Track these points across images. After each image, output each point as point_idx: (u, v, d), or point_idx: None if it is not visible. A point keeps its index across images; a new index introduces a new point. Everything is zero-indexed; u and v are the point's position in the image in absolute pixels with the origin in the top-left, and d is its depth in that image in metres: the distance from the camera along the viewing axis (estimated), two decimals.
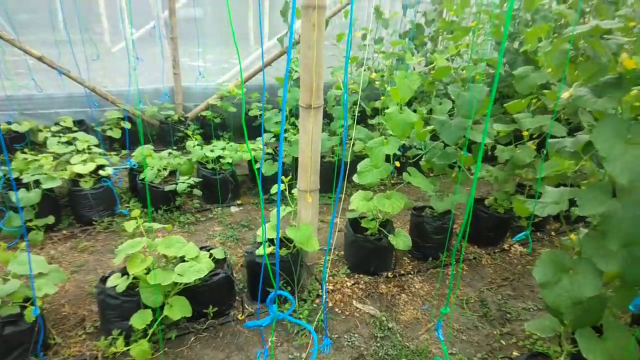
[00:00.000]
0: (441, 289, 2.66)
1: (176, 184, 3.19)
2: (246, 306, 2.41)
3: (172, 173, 3.42)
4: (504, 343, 2.25)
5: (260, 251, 2.39)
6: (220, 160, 3.51)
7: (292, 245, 2.44)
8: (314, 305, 2.45)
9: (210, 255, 2.30)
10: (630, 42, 1.52)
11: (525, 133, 2.88)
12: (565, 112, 1.84)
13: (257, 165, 3.55)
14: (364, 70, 4.64)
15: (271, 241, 2.42)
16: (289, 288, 2.41)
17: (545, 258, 1.55)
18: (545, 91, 2.79)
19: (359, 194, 2.69)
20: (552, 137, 2.92)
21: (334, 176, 3.94)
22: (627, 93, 1.35)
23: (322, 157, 3.80)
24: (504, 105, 3.06)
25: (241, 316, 2.32)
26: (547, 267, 1.53)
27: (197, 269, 2.04)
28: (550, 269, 1.52)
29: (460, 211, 3.56)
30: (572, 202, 1.64)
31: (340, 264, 2.84)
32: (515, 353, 2.18)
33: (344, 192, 3.85)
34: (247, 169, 3.98)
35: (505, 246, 3.15)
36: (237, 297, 2.44)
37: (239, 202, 3.56)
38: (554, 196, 1.65)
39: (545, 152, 1.74)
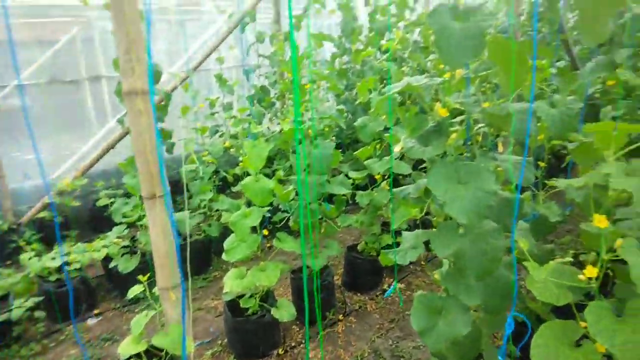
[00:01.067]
0: (335, 350, 2.56)
1: (9, 311, 2.63)
2: None
3: (4, 297, 2.82)
4: None
5: None
6: (66, 267, 3.02)
7: (164, 352, 2.14)
8: None
9: None
10: (440, 86, 1.70)
11: (377, 176, 3.05)
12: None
13: (113, 263, 3.15)
14: (219, 137, 4.56)
15: (140, 355, 2.09)
16: None
17: (418, 304, 1.57)
18: (386, 135, 3.01)
19: (232, 273, 2.51)
20: (399, 175, 3.14)
21: (209, 253, 3.69)
22: (448, 138, 1.46)
23: (190, 235, 3.54)
24: (354, 153, 3.23)
25: None
26: (422, 314, 1.53)
27: None
28: (425, 314, 1.53)
29: (338, 260, 3.57)
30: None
31: (225, 354, 2.58)
32: None
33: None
34: (102, 269, 3.50)
35: (385, 286, 3.22)
36: None
37: (96, 311, 3.07)
38: (411, 241, 1.70)
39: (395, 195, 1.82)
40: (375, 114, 2.85)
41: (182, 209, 4.05)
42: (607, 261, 1.14)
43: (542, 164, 2.32)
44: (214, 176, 3.97)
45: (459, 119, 1.82)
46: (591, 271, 1.14)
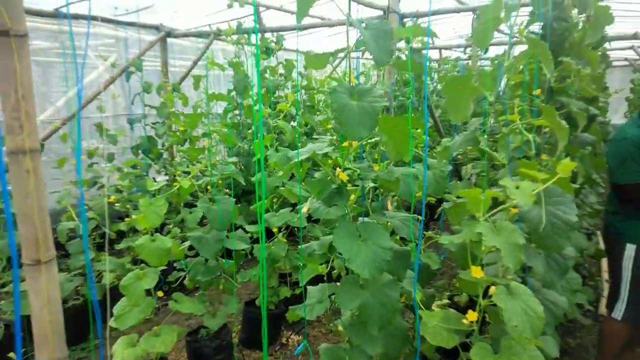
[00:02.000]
0: None
1: None
2: None
3: None
4: None
5: None
6: None
7: None
8: None
9: None
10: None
11: (274, 230, 3.13)
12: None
13: None
14: (99, 189, 4.24)
15: None
16: None
17: (324, 357, 1.65)
18: (281, 189, 3.13)
19: (122, 341, 2.31)
20: (299, 228, 3.25)
21: (87, 320, 3.32)
22: (349, 199, 1.62)
23: (64, 301, 3.16)
24: (250, 205, 3.28)
25: None
26: None
27: None
28: None
29: (236, 316, 3.49)
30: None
31: None
32: None
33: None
34: None
35: (283, 340, 3.23)
36: None
37: None
38: (317, 295, 1.80)
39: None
40: (272, 167, 2.96)
41: (58, 272, 3.62)
42: (483, 305, 1.36)
43: (419, 217, 2.64)
44: (94, 233, 3.66)
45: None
46: (472, 316, 1.34)
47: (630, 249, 2.40)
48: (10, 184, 1.67)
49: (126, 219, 3.47)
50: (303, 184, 2.21)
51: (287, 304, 3.33)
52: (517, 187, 1.21)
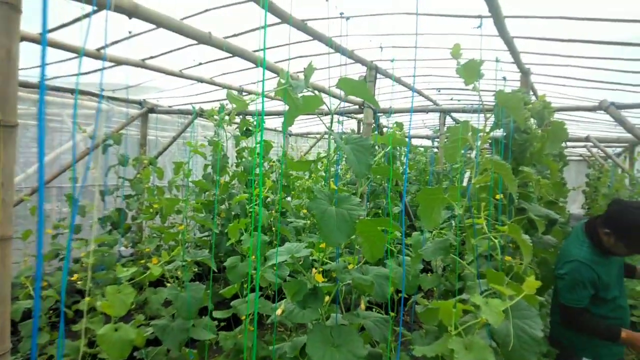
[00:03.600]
0: None
1: None
2: None
3: None
4: None
5: None
6: None
7: None
8: None
9: None
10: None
11: (243, 317, 3.04)
12: None
13: None
14: (59, 261, 4.07)
15: None
16: None
17: None
18: (254, 272, 3.09)
19: None
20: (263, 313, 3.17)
21: None
22: (323, 301, 1.64)
23: None
24: (220, 292, 3.20)
25: None
26: None
27: None
28: None
29: None
30: None
31: None
32: None
33: None
34: None
35: None
36: None
37: None
38: None
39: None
40: (246, 253, 2.95)
41: None
42: None
43: (392, 314, 2.65)
44: (51, 312, 3.46)
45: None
46: None
47: None
48: None
49: (86, 298, 3.30)
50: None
51: None
52: (487, 304, 1.27)
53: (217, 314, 3.05)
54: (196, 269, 4.15)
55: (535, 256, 2.52)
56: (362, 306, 1.95)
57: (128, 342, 2.15)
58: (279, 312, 1.58)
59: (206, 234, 4.66)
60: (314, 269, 1.66)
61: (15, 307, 3.03)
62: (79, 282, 3.44)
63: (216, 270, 2.98)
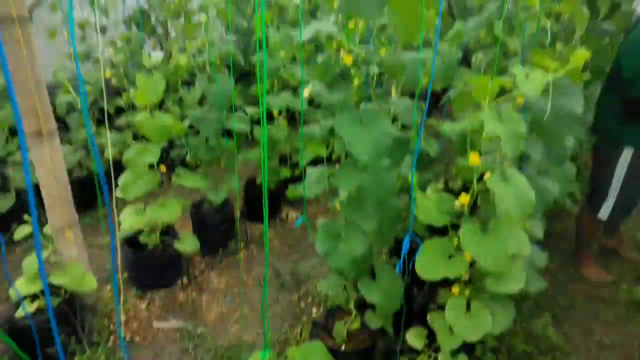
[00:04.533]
0: (238, 276, 2.73)
1: None
2: None
3: None
4: (303, 306, 2.50)
5: (20, 312, 1.95)
6: None
7: (62, 290, 2.09)
8: (110, 344, 2.19)
9: None
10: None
11: (275, 112, 3.11)
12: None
13: None
14: (93, 63, 4.09)
15: (36, 295, 2.01)
16: (74, 339, 2.07)
17: (322, 231, 1.76)
18: (282, 70, 3.04)
19: (129, 209, 2.46)
20: (300, 112, 3.24)
21: (92, 192, 3.46)
22: (352, 83, 1.59)
23: (69, 173, 3.27)
24: (250, 88, 3.22)
25: None
26: (325, 239, 1.73)
27: None
28: (328, 240, 1.73)
29: (239, 194, 3.64)
30: None
31: (128, 287, 2.58)
32: (314, 310, 2.46)
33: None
34: None
35: (283, 215, 3.43)
36: None
37: None
38: (316, 176, 1.86)
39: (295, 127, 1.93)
40: (273, 48, 2.84)
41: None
42: (477, 190, 1.42)
43: (423, 105, 2.61)
44: (93, 107, 3.64)
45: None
46: (464, 198, 1.41)
47: (627, 153, 2.34)
48: None
49: (123, 94, 3.42)
50: (305, 66, 2.15)
51: (286, 184, 3.46)
52: (527, 76, 1.18)
53: (249, 109, 3.13)
54: (226, 71, 4.13)
55: (589, 45, 2.31)
56: (393, 93, 1.90)
57: (165, 128, 2.26)
58: (306, 93, 1.56)
59: (233, 37, 4.46)
60: (342, 51, 1.56)
61: (58, 101, 3.18)
62: (113, 80, 3.50)
63: (243, 64, 2.92)
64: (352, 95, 1.64)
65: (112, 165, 1.81)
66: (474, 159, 1.30)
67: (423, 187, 2.04)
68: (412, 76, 1.64)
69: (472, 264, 1.56)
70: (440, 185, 2.44)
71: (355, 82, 1.59)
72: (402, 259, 1.47)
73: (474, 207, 1.51)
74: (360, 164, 1.61)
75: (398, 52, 1.73)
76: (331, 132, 1.72)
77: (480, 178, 1.41)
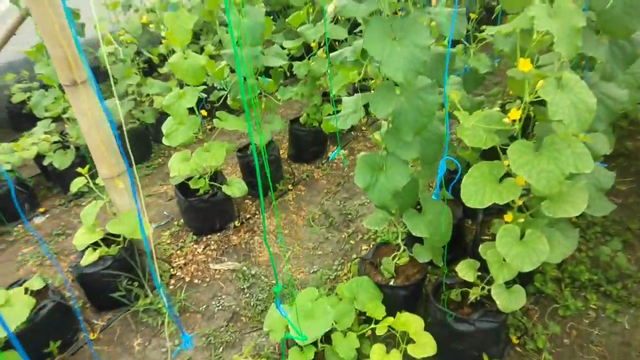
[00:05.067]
0: (288, 216, 2.74)
1: None
2: (94, 321, 2.14)
3: None
4: (353, 243, 2.47)
5: (86, 259, 2.08)
6: None
7: (121, 239, 2.19)
8: (171, 287, 2.31)
9: (26, 289, 1.92)
10: None
11: (313, 44, 2.95)
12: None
13: (47, 161, 2.99)
14: (134, 12, 4.09)
15: (96, 243, 2.13)
16: (136, 284, 2.20)
17: (361, 164, 1.66)
18: None
19: (176, 156, 2.49)
20: (335, 41, 3.04)
21: (144, 141, 3.58)
22: None
23: (124, 123, 3.38)
24: (286, 20, 3.05)
25: (94, 335, 2.06)
26: (365, 172, 1.63)
27: (12, 315, 1.69)
28: (368, 172, 1.63)
29: (282, 135, 3.61)
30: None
31: (184, 232, 2.68)
32: (364, 247, 2.43)
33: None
34: (37, 168, 3.33)
35: (330, 154, 3.35)
36: (81, 317, 2.14)
37: (41, 209, 3.01)
38: (352, 105, 1.73)
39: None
40: None
41: (107, 97, 3.79)
42: (529, 104, 1.23)
43: (473, 16, 2.33)
44: (137, 58, 3.67)
45: None
46: (515, 114, 1.24)
47: None
48: None
49: (163, 42, 3.40)
50: None
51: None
52: None
53: (286, 43, 2.99)
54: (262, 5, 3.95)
55: None
56: (433, 2, 1.68)
57: (199, 68, 2.20)
58: (330, 8, 1.40)
59: None
60: None
61: (99, 52, 3.21)
62: (151, 26, 3.48)
63: None
64: (386, 8, 1.46)
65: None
66: (524, 64, 1.12)
67: (473, 111, 1.85)
68: None
69: (528, 190, 1.40)
70: (496, 108, 2.22)
71: None
72: (438, 184, 1.34)
73: (527, 127, 1.32)
74: (396, 86, 1.47)
75: None
76: (363, 53, 1.57)
77: (533, 92, 1.22)
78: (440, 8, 1.66)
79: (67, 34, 1.69)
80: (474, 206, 1.30)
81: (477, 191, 1.31)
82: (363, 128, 3.66)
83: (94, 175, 2.17)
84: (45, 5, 1.58)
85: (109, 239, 2.18)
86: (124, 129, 1.31)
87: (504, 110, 2.50)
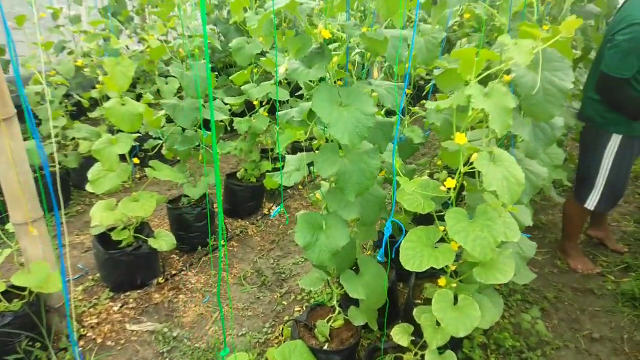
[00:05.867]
0: (216, 275, 2.61)
1: None
2: None
3: None
4: (285, 304, 2.39)
5: None
6: None
7: (26, 292, 1.94)
8: (80, 348, 2.05)
9: None
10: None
11: (255, 102, 3.00)
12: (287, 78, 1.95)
13: None
14: (67, 54, 3.93)
15: None
16: (38, 345, 1.93)
17: (302, 222, 1.65)
18: (262, 59, 2.92)
19: (99, 205, 2.31)
20: (280, 102, 3.13)
21: (63, 187, 3.31)
22: (330, 61, 1.49)
23: (40, 168, 3.12)
24: (229, 77, 3.10)
25: None
26: (305, 230, 1.62)
27: None
28: (308, 231, 1.61)
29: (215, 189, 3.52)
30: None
31: (99, 288, 2.44)
32: (297, 308, 2.35)
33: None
34: None
35: (265, 211, 3.31)
36: None
37: None
38: (295, 163, 1.75)
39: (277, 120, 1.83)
40: (254, 33, 2.73)
41: (27, 138, 3.50)
42: (463, 174, 1.32)
43: (408, 91, 2.52)
44: (66, 100, 3.48)
45: (336, 44, 1.86)
46: (450, 182, 1.32)
47: (615, 140, 2.30)
48: None
49: (97, 86, 3.27)
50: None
51: None
52: (516, 44, 1.09)
53: (228, 99, 3.01)
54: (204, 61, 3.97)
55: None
56: (375, 74, 1.81)
57: (136, 115, 2.13)
58: (281, 70, 1.45)
59: (212, 26, 4.34)
60: (320, 25, 1.46)
61: (27, 91, 3.01)
62: (85, 70, 3.35)
63: (220, 50, 2.80)
64: (332, 75, 1.54)
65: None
66: (459, 138, 1.21)
67: (407, 177, 1.95)
68: (394, 53, 1.55)
69: (458, 256, 1.47)
70: (425, 176, 2.36)
71: (335, 59, 1.48)
72: (383, 245, 1.37)
73: (459, 196, 1.41)
74: (340, 148, 1.52)
75: (379, 29, 1.63)
76: (310, 114, 1.62)
77: (467, 163, 1.32)
78: (381, 81, 1.78)
79: None
80: (412, 269, 1.33)
81: (414, 255, 1.35)
82: (300, 187, 3.69)
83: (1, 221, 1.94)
84: None
85: (11, 293, 1.92)
86: (56, 169, 1.20)
87: (433, 178, 2.68)
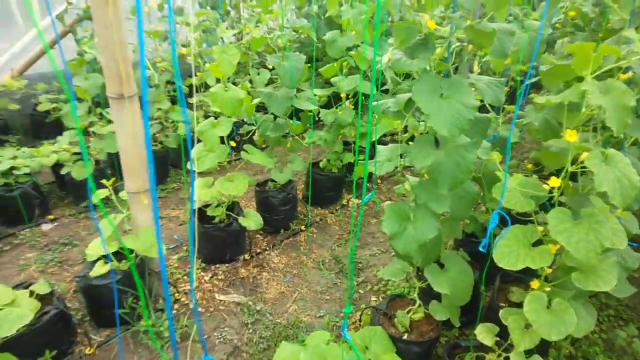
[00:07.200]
0: (298, 257, 2.72)
1: None
2: (93, 336, 2.07)
3: None
4: (362, 292, 2.44)
5: (96, 271, 2.05)
6: (14, 172, 2.86)
7: (133, 255, 2.17)
8: (174, 311, 2.26)
9: (31, 292, 1.88)
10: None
11: (343, 95, 3.06)
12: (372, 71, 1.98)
13: (65, 170, 3.01)
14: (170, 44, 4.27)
15: (105, 256, 2.11)
16: (142, 303, 2.15)
17: (389, 212, 1.68)
18: (352, 53, 2.97)
19: (198, 182, 2.51)
20: (365, 95, 3.16)
21: (163, 165, 3.62)
22: (434, 52, 1.49)
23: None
24: (319, 70, 3.18)
25: (89, 350, 1.99)
26: (393, 220, 1.65)
27: (17, 316, 1.64)
28: (396, 221, 1.64)
29: (298, 177, 3.66)
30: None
31: (193, 259, 2.65)
32: (373, 298, 2.39)
33: (186, 179, 3.59)
34: (53, 176, 3.33)
35: (344, 202, 3.38)
36: (79, 330, 2.08)
37: (50, 217, 2.99)
38: (387, 154, 1.78)
39: (362, 111, 1.87)
40: (346, 27, 2.79)
41: None
42: (569, 173, 1.28)
43: (505, 89, 2.44)
44: (168, 86, 3.79)
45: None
46: (555, 182, 1.28)
47: None
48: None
49: (198, 74, 3.52)
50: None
51: (349, 169, 3.41)
52: None
53: (317, 91, 3.10)
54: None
55: None
56: (475, 68, 1.78)
57: (238, 101, 2.28)
58: (385, 59, 1.48)
59: (304, 20, 4.47)
60: (425, 15, 1.47)
61: (136, 75, 3.31)
62: (188, 58, 3.62)
63: (316, 41, 2.89)
64: (433, 67, 1.54)
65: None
66: (570, 135, 1.17)
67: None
68: (499, 48, 1.51)
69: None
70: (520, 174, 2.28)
71: (438, 50, 1.49)
72: (487, 238, 1.35)
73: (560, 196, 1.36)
74: (438, 137, 1.52)
75: (484, 23, 1.60)
76: (406, 105, 1.64)
77: (573, 162, 1.27)
78: (480, 76, 1.75)
79: (124, 50, 1.77)
80: (506, 267, 1.31)
81: (510, 253, 1.33)
82: (378, 181, 3.71)
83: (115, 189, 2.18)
84: (110, 20, 1.66)
85: (120, 254, 2.16)
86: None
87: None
